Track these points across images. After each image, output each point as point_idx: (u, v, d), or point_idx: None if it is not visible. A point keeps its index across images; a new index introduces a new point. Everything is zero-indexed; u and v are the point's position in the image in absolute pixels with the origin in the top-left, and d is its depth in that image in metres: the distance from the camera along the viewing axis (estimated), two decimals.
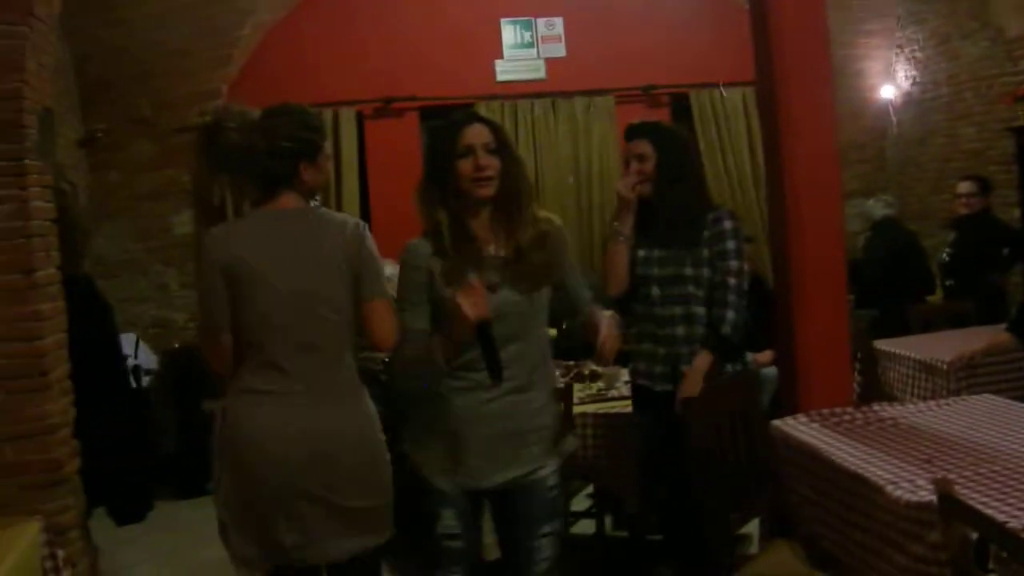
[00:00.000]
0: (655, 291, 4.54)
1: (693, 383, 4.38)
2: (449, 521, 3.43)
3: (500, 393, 3.37)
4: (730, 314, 4.43)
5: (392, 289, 3.57)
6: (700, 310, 4.48)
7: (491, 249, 3.41)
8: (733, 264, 4.45)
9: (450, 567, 3.48)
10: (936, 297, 8.39)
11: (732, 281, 4.45)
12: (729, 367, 4.54)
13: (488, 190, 3.35)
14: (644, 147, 4.53)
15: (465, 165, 3.34)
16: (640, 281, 4.58)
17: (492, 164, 3.35)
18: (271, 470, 3.33)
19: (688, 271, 4.48)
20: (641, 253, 4.58)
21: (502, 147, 3.40)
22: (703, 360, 4.42)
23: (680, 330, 4.51)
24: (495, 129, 3.43)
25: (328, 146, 3.65)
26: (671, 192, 4.50)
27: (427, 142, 3.54)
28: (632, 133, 4.64)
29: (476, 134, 3.38)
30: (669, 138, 4.62)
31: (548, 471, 3.52)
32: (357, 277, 3.43)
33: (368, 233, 3.50)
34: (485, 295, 3.20)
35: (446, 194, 3.39)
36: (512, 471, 3.45)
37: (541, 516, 3.54)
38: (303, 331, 3.39)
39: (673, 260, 4.51)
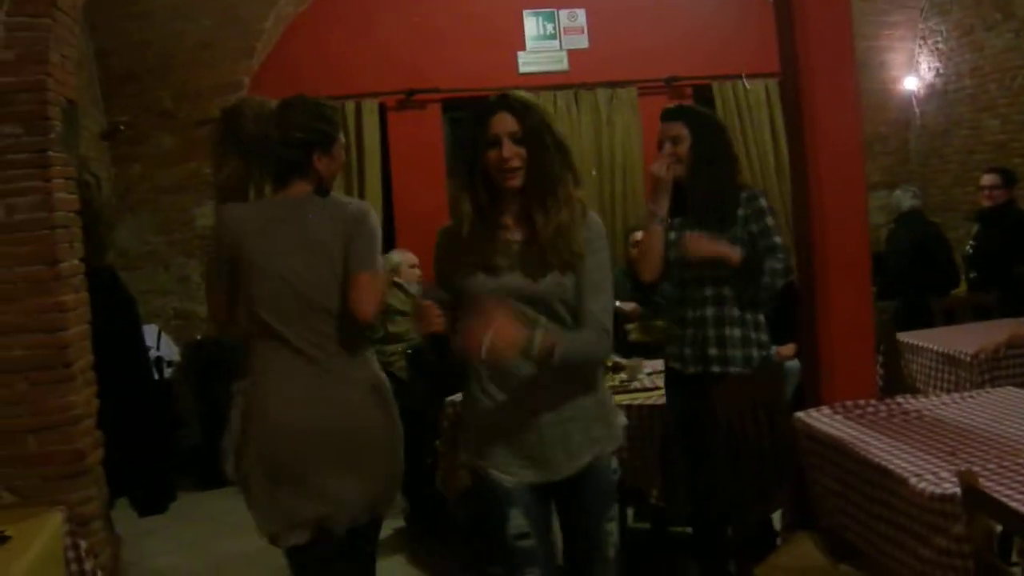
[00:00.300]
0: (687, 273, 4.53)
1: (701, 242, 4.39)
2: (518, 520, 3.34)
3: (546, 383, 3.33)
4: (777, 263, 4.35)
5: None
6: (729, 292, 4.46)
7: (512, 235, 3.37)
8: (777, 240, 4.37)
9: (525, 568, 3.35)
10: (960, 289, 8.37)
11: (780, 255, 4.36)
12: (753, 354, 4.51)
13: (515, 181, 3.31)
14: (679, 129, 4.51)
15: (493, 155, 3.30)
16: (671, 263, 4.56)
17: (518, 154, 3.29)
18: (284, 441, 3.53)
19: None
20: (672, 236, 4.56)
21: (529, 135, 3.32)
22: (728, 251, 4.37)
23: (710, 311, 4.49)
24: (522, 116, 3.33)
25: (343, 137, 3.76)
26: (704, 174, 4.48)
27: (457, 130, 3.55)
28: (667, 115, 4.61)
29: (502, 123, 3.31)
30: (704, 121, 4.60)
31: (608, 452, 3.48)
32: (348, 254, 3.54)
33: (371, 214, 3.63)
34: (437, 313, 3.31)
35: (474, 182, 3.35)
36: (580, 459, 3.40)
37: (607, 500, 3.49)
38: (299, 312, 3.55)
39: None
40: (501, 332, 3.05)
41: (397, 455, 3.75)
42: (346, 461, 3.56)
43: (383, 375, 3.73)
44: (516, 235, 3.36)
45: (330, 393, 3.55)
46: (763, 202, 4.47)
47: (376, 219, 3.66)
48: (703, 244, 4.35)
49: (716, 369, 4.46)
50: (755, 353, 4.49)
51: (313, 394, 3.53)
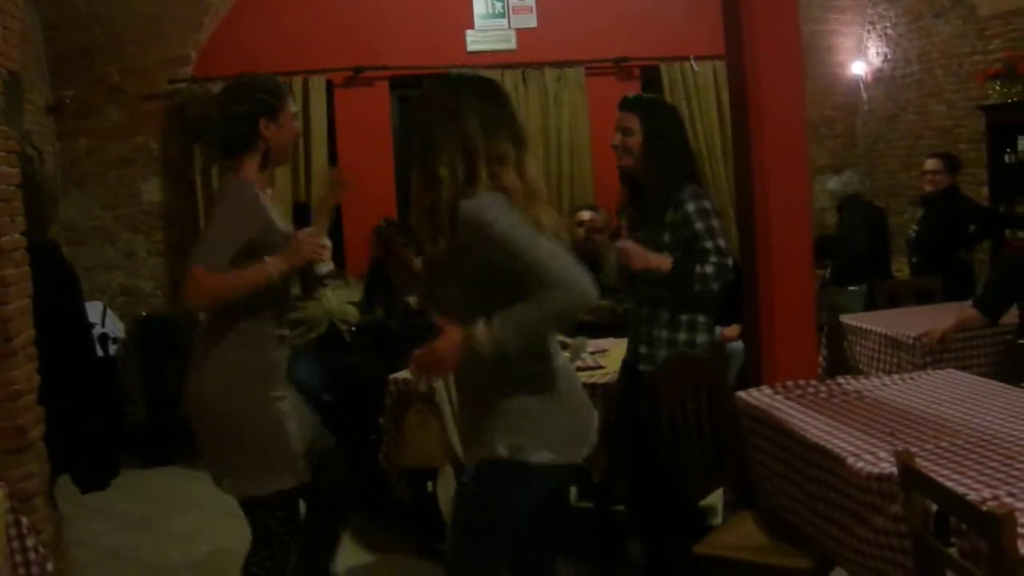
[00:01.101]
0: (627, 272, 4.57)
1: (632, 255, 4.44)
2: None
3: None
4: (708, 268, 4.35)
5: None
6: (666, 293, 4.47)
7: None
8: (709, 244, 4.36)
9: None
10: (903, 273, 8.46)
11: (714, 259, 4.36)
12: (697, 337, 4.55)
13: None
14: (631, 121, 4.50)
15: None
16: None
17: None
18: None
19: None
20: (619, 263, 4.60)
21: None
22: (659, 262, 4.42)
23: (645, 310, 4.55)
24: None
25: (293, 106, 3.77)
26: (654, 169, 4.48)
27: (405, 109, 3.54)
28: (623, 104, 4.61)
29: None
30: (659, 114, 4.58)
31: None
32: None
33: (223, 201, 3.73)
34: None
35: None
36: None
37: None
38: None
39: (650, 240, 4.50)
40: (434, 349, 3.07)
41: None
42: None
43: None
44: None
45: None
46: (690, 207, 4.41)
47: (228, 205, 3.68)
48: (635, 258, 4.41)
49: (642, 367, 4.53)
50: (697, 339, 4.53)
51: None
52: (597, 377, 5.08)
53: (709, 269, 4.34)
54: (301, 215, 3.51)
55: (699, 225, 4.38)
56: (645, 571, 4.83)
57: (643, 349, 4.53)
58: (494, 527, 3.22)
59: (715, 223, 4.45)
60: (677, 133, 4.61)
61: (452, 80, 3.39)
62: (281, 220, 3.78)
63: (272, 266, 3.59)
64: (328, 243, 6.74)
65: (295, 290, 3.96)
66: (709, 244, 4.37)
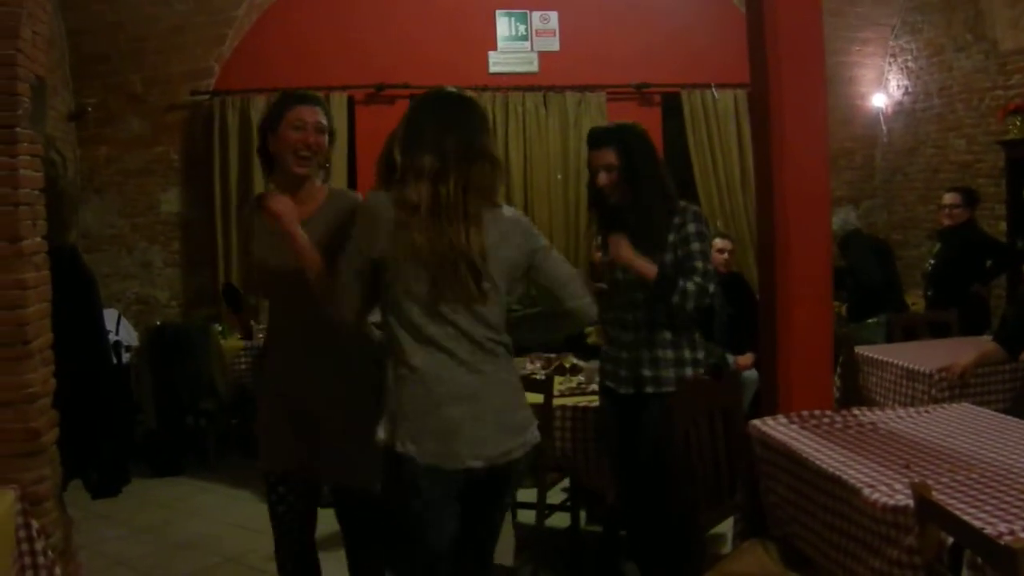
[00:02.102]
0: (620, 298, 4.56)
1: (622, 247, 4.45)
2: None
3: None
4: (691, 285, 4.38)
5: None
6: (661, 316, 4.49)
7: None
8: (697, 264, 4.42)
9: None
10: (919, 306, 8.44)
11: (698, 279, 4.40)
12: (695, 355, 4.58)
13: None
14: (610, 156, 4.50)
15: None
16: (613, 285, 4.59)
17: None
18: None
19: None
20: (606, 259, 4.59)
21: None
22: (644, 265, 4.44)
23: (643, 334, 4.53)
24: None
25: (301, 112, 3.70)
26: (637, 196, 4.49)
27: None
28: (596, 141, 4.59)
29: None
30: (632, 141, 4.56)
31: None
32: None
33: None
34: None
35: None
36: None
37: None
38: None
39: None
40: None
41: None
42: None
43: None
44: None
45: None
46: (691, 228, 4.48)
47: None
48: (623, 251, 4.41)
49: (650, 390, 4.51)
50: (688, 372, 4.54)
51: None
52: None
53: (691, 287, 4.38)
54: (230, 296, 3.51)
55: (696, 246, 4.46)
56: None
57: (647, 372, 4.51)
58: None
59: (708, 248, 4.58)
60: (651, 156, 4.62)
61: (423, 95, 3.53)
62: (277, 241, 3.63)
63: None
64: None
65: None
66: (699, 265, 4.43)
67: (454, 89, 3.50)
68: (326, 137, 3.73)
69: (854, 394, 6.35)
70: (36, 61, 4.67)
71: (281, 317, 3.86)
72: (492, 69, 9.73)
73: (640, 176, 4.50)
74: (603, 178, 4.51)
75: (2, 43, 4.42)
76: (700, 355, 4.60)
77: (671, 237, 4.48)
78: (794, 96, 4.65)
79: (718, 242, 7.10)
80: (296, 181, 3.70)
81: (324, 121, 3.72)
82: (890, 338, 7.30)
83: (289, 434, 3.75)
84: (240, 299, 3.51)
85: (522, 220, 3.39)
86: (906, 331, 7.34)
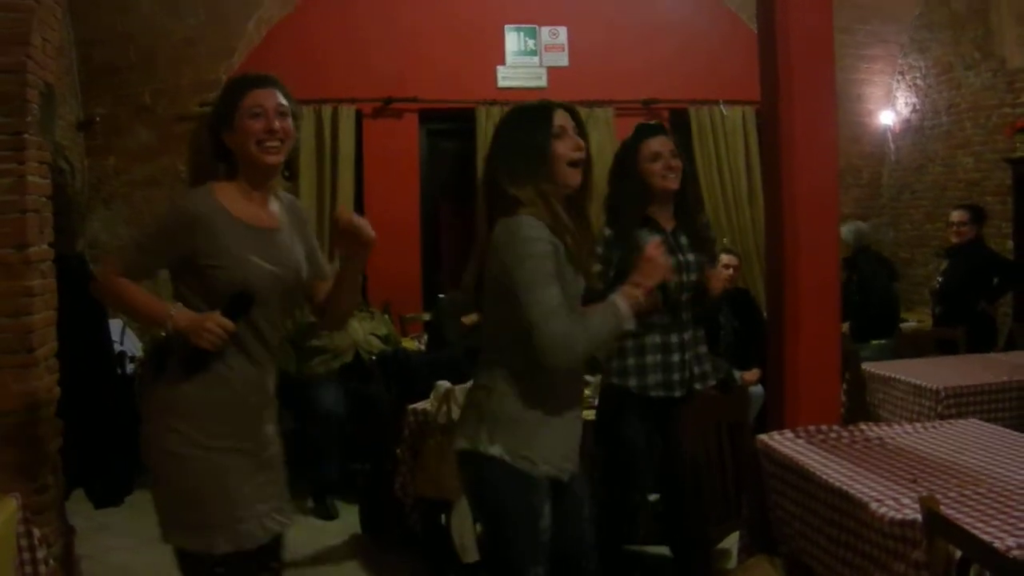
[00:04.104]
0: (669, 300, 4.47)
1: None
2: (547, 518, 3.30)
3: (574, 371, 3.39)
4: None
5: None
6: (688, 314, 4.57)
7: None
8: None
9: (542, 564, 3.29)
10: (926, 324, 8.43)
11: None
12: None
13: (579, 177, 3.32)
14: (672, 144, 4.53)
15: (563, 145, 3.27)
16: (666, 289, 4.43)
17: (583, 147, 3.34)
18: None
19: (695, 277, 4.53)
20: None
21: (585, 135, 3.39)
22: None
23: (688, 334, 4.55)
24: (577, 116, 3.41)
25: (252, 101, 3.32)
26: (690, 190, 4.55)
27: (513, 121, 3.43)
28: (656, 129, 4.60)
29: (566, 118, 3.34)
30: (677, 141, 4.63)
31: None
32: None
33: None
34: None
35: (539, 176, 3.27)
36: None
37: (586, 499, 3.53)
38: None
39: (697, 266, 4.54)
40: None
41: None
42: None
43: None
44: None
45: None
46: (713, 233, 4.71)
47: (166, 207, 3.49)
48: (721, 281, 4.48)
49: (698, 387, 4.56)
50: (708, 369, 4.68)
51: None
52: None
53: None
54: (237, 304, 3.16)
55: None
56: None
57: (696, 370, 4.55)
58: None
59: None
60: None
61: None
62: (259, 246, 3.31)
63: (173, 317, 3.19)
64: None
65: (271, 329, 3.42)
66: None
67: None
68: (291, 121, 3.36)
69: (861, 410, 6.33)
70: (46, 68, 4.70)
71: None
72: (501, 83, 9.73)
73: (688, 172, 4.59)
74: (678, 163, 4.50)
75: (13, 49, 4.44)
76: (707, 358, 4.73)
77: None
78: (805, 112, 4.65)
79: (724, 258, 7.08)
80: (264, 177, 3.35)
81: (285, 102, 3.35)
82: (897, 355, 7.29)
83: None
84: (250, 308, 3.20)
85: None
86: (914, 348, 7.33)
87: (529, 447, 3.24)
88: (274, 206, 3.43)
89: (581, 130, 3.37)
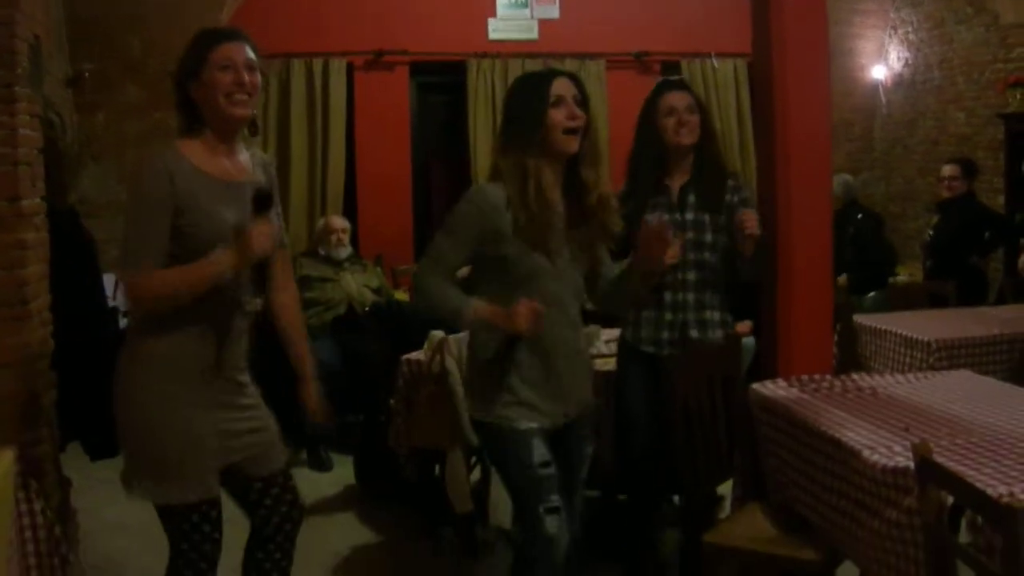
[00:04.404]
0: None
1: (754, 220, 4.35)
2: (542, 449, 3.41)
3: (565, 330, 3.48)
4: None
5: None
6: (710, 275, 4.50)
7: (557, 211, 3.40)
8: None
9: (551, 495, 3.40)
10: (917, 277, 8.46)
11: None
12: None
13: (575, 143, 3.36)
14: (690, 100, 4.50)
15: (557, 114, 3.32)
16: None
17: (581, 116, 3.36)
18: None
19: (708, 237, 4.47)
20: (664, 216, 4.54)
21: (586, 103, 3.42)
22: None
23: (691, 296, 4.51)
24: (580, 85, 3.43)
25: (221, 55, 3.26)
26: (709, 149, 4.54)
27: (514, 89, 3.50)
28: (680, 85, 4.60)
29: (566, 86, 3.37)
30: (698, 97, 4.61)
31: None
32: None
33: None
34: (538, 315, 3.25)
35: (530, 144, 3.33)
36: (578, 401, 3.58)
37: (589, 444, 3.70)
38: None
39: (695, 224, 4.50)
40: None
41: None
42: None
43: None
44: (559, 209, 3.41)
45: None
46: (747, 193, 4.58)
47: (129, 192, 3.36)
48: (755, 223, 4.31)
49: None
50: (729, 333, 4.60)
51: None
52: (612, 365, 5.07)
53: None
54: (261, 202, 3.16)
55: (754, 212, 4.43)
56: (647, 560, 4.82)
57: (695, 334, 4.50)
58: None
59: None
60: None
61: None
62: (227, 197, 3.28)
63: (224, 263, 3.15)
64: (347, 225, 6.65)
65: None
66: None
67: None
68: (258, 76, 3.32)
69: (852, 362, 6.36)
70: (34, 20, 4.66)
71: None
72: (491, 36, 9.69)
73: (708, 130, 4.57)
74: (696, 120, 4.48)
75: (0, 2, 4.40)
76: (730, 317, 4.67)
77: (730, 198, 4.52)
78: (798, 65, 4.66)
79: None
80: (232, 130, 3.34)
81: (254, 56, 3.30)
82: (889, 307, 7.31)
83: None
84: (270, 204, 3.22)
85: None
86: (904, 301, 7.36)
87: (502, 402, 3.43)
88: (243, 157, 3.43)
89: (583, 99, 3.40)
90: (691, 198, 4.50)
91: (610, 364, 5.05)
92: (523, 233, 3.31)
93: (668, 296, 4.52)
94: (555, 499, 3.39)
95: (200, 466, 3.32)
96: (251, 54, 3.30)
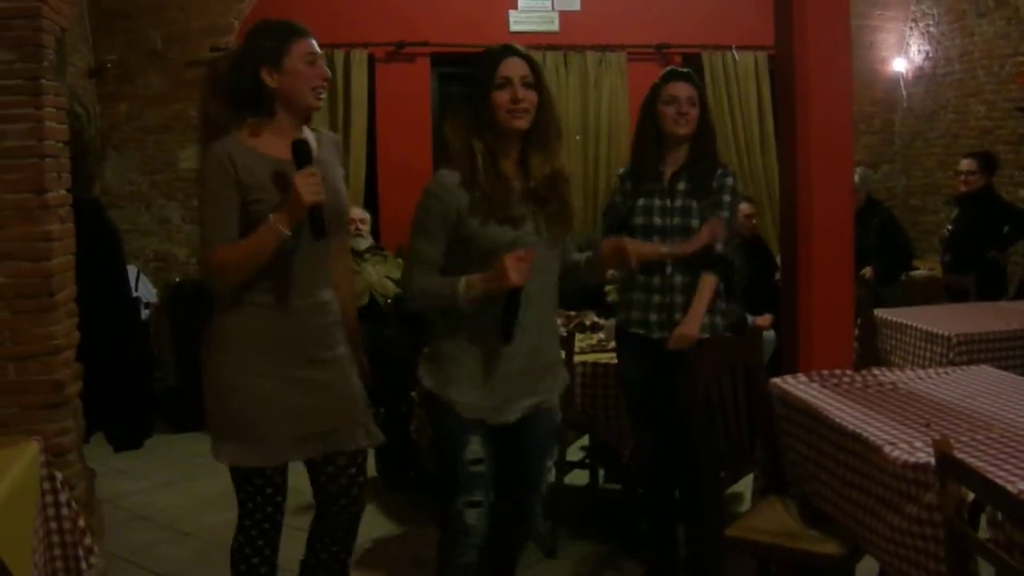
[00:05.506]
0: (656, 240, 4.51)
1: (696, 316, 4.45)
2: (476, 447, 3.49)
3: (528, 327, 3.45)
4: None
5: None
6: (700, 260, 4.50)
7: (517, 185, 3.45)
8: (724, 215, 4.48)
9: (475, 491, 3.52)
10: (936, 271, 8.45)
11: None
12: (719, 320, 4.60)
13: (522, 122, 3.40)
14: (693, 91, 4.55)
15: (501, 96, 3.37)
16: (638, 231, 4.56)
17: (529, 97, 3.40)
18: None
19: (694, 223, 4.47)
20: (641, 202, 4.60)
21: (538, 82, 3.44)
22: (708, 284, 4.49)
23: (678, 279, 4.53)
24: (532, 63, 3.46)
25: (305, 48, 3.47)
26: (703, 142, 4.55)
27: (446, 86, 3.60)
28: (684, 76, 4.61)
29: (514, 67, 3.41)
30: (702, 90, 4.65)
31: (555, 400, 3.69)
32: None
33: None
34: (529, 266, 3.28)
35: (480, 125, 3.42)
36: (530, 400, 3.58)
37: (549, 445, 3.74)
38: None
39: (682, 211, 4.53)
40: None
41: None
42: None
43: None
44: (516, 184, 3.46)
45: None
46: (729, 181, 4.59)
47: (200, 177, 3.54)
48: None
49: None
50: (718, 321, 4.60)
51: None
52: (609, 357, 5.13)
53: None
54: (300, 154, 3.27)
55: (727, 198, 4.55)
56: (666, 554, 4.83)
57: (680, 317, 4.51)
58: None
59: (737, 206, 4.78)
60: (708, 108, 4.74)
61: None
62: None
63: (277, 222, 3.26)
64: (367, 216, 6.67)
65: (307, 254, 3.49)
66: (724, 214, 4.52)
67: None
68: None
69: (872, 356, 6.37)
70: (61, 13, 4.69)
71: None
72: (512, 28, 9.65)
73: (706, 122, 4.61)
74: (694, 113, 4.54)
75: None
76: (724, 305, 4.66)
77: (713, 185, 4.56)
78: (820, 58, 4.68)
79: (744, 207, 7.09)
80: (302, 120, 3.53)
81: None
82: (908, 301, 7.31)
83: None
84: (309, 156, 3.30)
85: None
86: (923, 295, 7.36)
87: (448, 385, 3.51)
88: (308, 137, 3.52)
89: (536, 80, 3.44)
90: (681, 185, 4.56)
91: (605, 358, 5.13)
92: (479, 210, 3.38)
93: (657, 279, 4.57)
94: (478, 495, 3.53)
95: (272, 433, 3.48)
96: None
